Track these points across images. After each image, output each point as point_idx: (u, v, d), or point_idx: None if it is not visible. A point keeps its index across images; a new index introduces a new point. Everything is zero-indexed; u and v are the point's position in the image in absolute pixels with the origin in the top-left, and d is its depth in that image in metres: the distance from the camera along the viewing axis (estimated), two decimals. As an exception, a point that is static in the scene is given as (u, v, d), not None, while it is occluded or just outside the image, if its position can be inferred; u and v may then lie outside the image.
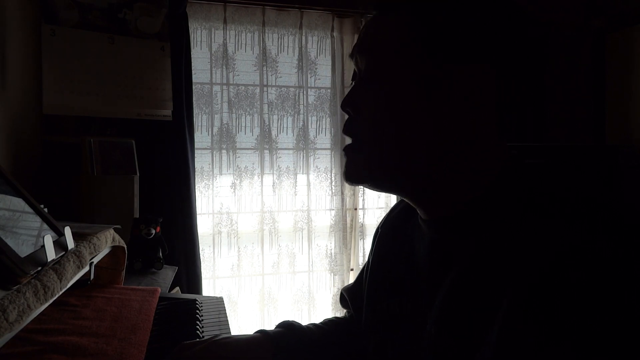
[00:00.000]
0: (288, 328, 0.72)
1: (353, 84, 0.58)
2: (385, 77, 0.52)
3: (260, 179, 2.07)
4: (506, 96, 0.51)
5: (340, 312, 2.17)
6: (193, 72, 1.87)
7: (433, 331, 0.50)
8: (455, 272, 0.49)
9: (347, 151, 0.56)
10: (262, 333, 0.71)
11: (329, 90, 2.14)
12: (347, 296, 0.80)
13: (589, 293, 0.36)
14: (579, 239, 0.39)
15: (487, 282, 0.44)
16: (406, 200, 0.59)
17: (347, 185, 2.17)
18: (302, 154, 2.12)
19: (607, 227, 0.41)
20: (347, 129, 0.56)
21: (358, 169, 0.55)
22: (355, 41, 2.04)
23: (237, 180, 2.04)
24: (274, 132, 2.09)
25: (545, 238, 0.41)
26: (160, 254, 1.36)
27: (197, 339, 0.72)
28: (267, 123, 2.07)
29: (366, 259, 2.41)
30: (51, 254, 0.63)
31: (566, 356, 0.35)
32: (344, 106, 0.56)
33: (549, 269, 0.38)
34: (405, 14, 0.52)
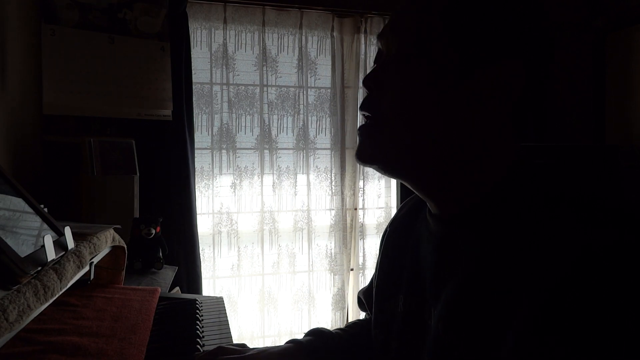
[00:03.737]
0: (317, 335, 0.72)
1: (375, 66, 0.57)
2: (417, 58, 0.51)
3: (260, 179, 2.07)
4: (530, 94, 0.50)
5: (341, 312, 2.17)
6: (193, 72, 1.87)
7: (440, 329, 0.50)
8: (463, 270, 0.49)
9: (362, 130, 0.55)
10: (294, 343, 0.71)
11: (329, 90, 2.14)
12: (364, 299, 0.80)
13: (615, 298, 0.35)
14: (597, 243, 0.38)
15: (499, 283, 0.44)
16: (417, 193, 0.58)
17: (347, 185, 2.17)
18: (302, 154, 2.12)
19: (626, 229, 0.40)
20: (365, 105, 0.55)
21: (372, 148, 0.54)
22: (355, 41, 2.02)
23: (237, 180, 2.04)
24: (274, 132, 2.09)
25: (563, 240, 0.40)
26: (160, 254, 1.36)
27: (234, 346, 0.72)
28: (267, 123, 2.07)
29: (366, 258, 2.40)
30: (51, 254, 0.63)
31: None
32: (367, 81, 0.55)
33: (571, 272, 0.37)
34: (442, 3, 0.51)
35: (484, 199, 0.50)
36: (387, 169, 0.55)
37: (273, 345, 0.73)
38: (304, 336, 0.73)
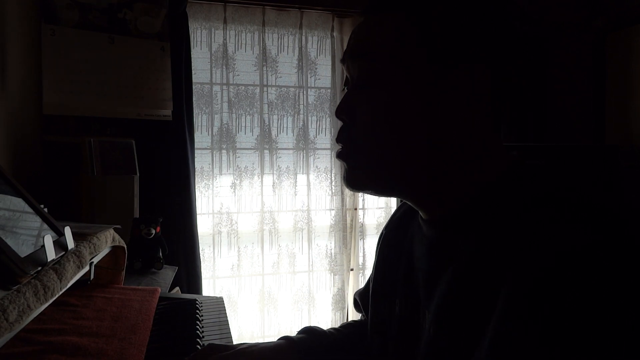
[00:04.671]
0: (310, 333, 0.72)
1: (345, 90, 0.57)
2: (381, 82, 0.51)
3: (260, 179, 2.07)
4: (502, 96, 0.50)
5: (341, 312, 2.17)
6: (193, 72, 1.87)
7: (431, 331, 0.50)
8: (452, 272, 0.49)
9: (345, 159, 0.55)
10: (286, 339, 0.71)
11: (329, 90, 2.14)
12: (360, 300, 0.80)
13: (590, 296, 0.35)
14: (579, 241, 0.38)
15: (483, 283, 0.44)
16: (406, 202, 0.59)
17: (347, 185, 2.17)
18: (302, 154, 2.12)
19: (607, 230, 0.40)
20: (341, 137, 0.55)
21: (359, 177, 0.54)
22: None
23: (237, 180, 2.04)
24: (274, 132, 2.09)
25: (545, 239, 0.40)
26: (160, 254, 1.36)
27: (225, 343, 0.72)
28: (267, 123, 2.07)
29: (366, 258, 2.40)
30: (51, 254, 0.63)
31: (564, 358, 0.35)
32: (339, 114, 0.55)
33: (548, 269, 0.38)
34: (398, 16, 0.51)
35: (472, 201, 0.51)
36: (379, 192, 0.56)
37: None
38: (297, 334, 0.73)
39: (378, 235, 0.76)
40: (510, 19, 0.51)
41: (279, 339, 0.72)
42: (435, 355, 0.49)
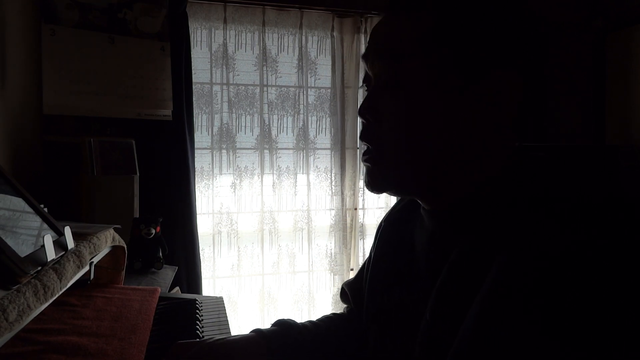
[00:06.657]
0: (283, 326, 0.71)
1: (365, 87, 0.57)
2: (409, 83, 0.50)
3: (260, 179, 2.07)
4: (529, 101, 0.50)
5: (340, 309, 2.17)
6: (193, 72, 1.87)
7: (428, 319, 0.50)
8: (449, 262, 0.49)
9: (369, 161, 0.55)
10: (257, 332, 0.70)
11: (329, 90, 2.14)
12: (348, 291, 0.80)
13: (588, 296, 0.35)
14: (576, 240, 0.39)
15: (475, 273, 0.44)
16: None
17: (347, 185, 2.17)
18: (302, 154, 2.12)
19: (606, 229, 0.40)
20: (365, 136, 0.55)
21: (382, 179, 0.54)
22: (355, 41, 2.01)
23: (237, 180, 2.04)
24: (274, 132, 2.09)
25: (541, 236, 0.41)
26: (160, 254, 1.36)
27: (193, 340, 0.72)
28: (267, 123, 2.07)
29: (366, 258, 2.40)
30: (51, 254, 0.63)
31: (555, 350, 0.35)
32: (363, 113, 0.54)
33: (543, 268, 0.38)
34: (426, 16, 0.50)
35: (476, 194, 0.51)
36: (399, 193, 0.57)
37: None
38: (270, 326, 0.72)
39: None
40: (535, 23, 0.51)
41: (250, 332, 0.71)
42: (432, 342, 0.49)
